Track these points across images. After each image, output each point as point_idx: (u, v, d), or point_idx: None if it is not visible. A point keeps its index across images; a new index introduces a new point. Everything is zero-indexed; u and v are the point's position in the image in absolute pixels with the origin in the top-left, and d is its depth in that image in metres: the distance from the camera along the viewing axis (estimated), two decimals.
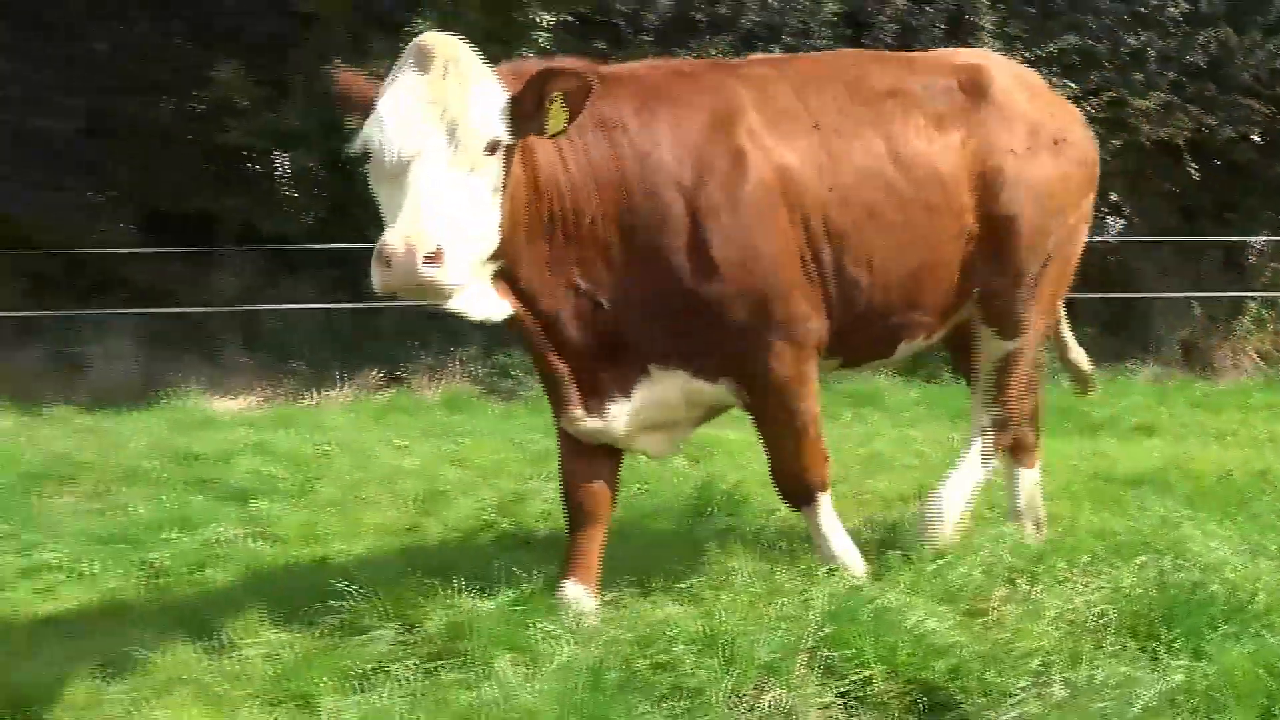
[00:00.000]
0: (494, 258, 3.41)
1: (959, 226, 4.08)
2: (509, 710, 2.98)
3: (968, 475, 4.36)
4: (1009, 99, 4.22)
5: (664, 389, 3.84)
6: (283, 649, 3.56)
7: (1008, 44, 9.68)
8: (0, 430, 8.55)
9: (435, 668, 3.35)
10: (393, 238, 2.98)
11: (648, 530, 5.03)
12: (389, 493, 6.10)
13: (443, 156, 3.16)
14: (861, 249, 3.90)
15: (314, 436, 7.74)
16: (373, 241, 3.03)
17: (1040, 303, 4.33)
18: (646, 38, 10.41)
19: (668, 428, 4.08)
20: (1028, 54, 9.49)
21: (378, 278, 3.02)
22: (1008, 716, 2.94)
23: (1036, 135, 4.20)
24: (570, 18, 10.00)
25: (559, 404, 3.86)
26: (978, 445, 4.39)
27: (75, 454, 7.04)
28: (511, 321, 3.62)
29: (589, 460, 4.01)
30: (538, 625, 3.52)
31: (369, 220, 4.71)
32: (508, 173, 3.32)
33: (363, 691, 3.29)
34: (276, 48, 10.86)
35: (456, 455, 6.96)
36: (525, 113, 3.31)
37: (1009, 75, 4.41)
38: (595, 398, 3.81)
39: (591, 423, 3.85)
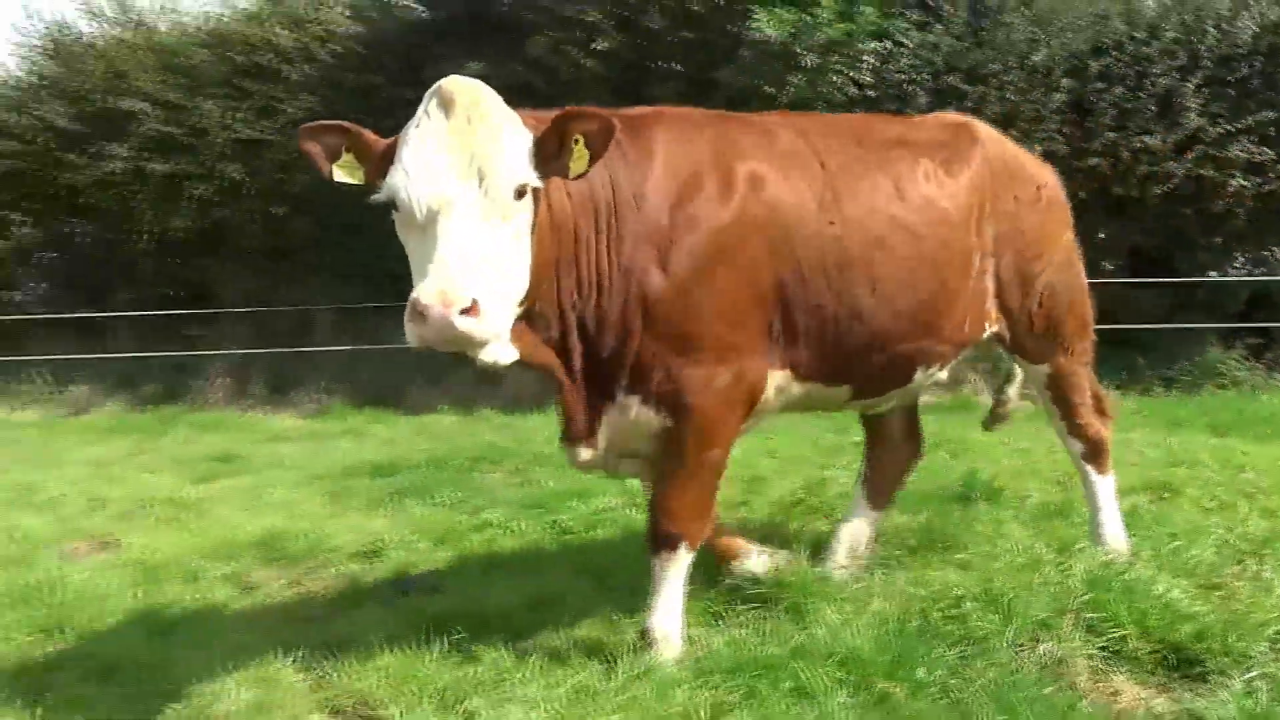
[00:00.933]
0: (524, 301, 3.29)
1: (966, 261, 4.15)
2: (835, 645, 3.50)
3: (1104, 503, 4.57)
4: (999, 149, 4.47)
5: (624, 415, 3.71)
6: None
7: (1211, 120, 10.28)
8: (448, 426, 10.48)
9: (769, 611, 3.95)
10: (427, 293, 2.85)
11: (921, 509, 5.41)
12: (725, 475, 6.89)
13: (474, 206, 3.01)
14: (868, 278, 3.86)
15: None
16: None
17: (1062, 331, 4.50)
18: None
19: (640, 454, 3.93)
20: (1229, 127, 10.22)
21: (413, 332, 2.91)
22: (1250, 675, 3.20)
23: (1025, 184, 4.44)
24: None
25: (567, 437, 3.79)
26: (1090, 475, 4.59)
27: (500, 443, 8.50)
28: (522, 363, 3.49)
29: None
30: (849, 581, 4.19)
31: None
32: (535, 216, 3.23)
33: (722, 624, 3.93)
34: None
35: (768, 448, 7.60)
36: (549, 154, 3.21)
37: (989, 131, 4.58)
38: (593, 424, 3.73)
39: (584, 454, 3.79)
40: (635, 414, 3.70)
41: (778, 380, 3.91)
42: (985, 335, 4.37)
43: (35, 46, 15.82)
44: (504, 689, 3.32)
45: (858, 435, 8.26)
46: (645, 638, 3.69)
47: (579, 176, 3.29)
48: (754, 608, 4.01)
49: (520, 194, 3.12)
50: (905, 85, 11.23)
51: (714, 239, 3.63)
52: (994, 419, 5.03)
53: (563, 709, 3.12)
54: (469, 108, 3.10)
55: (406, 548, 5.49)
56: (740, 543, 4.43)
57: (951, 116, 4.73)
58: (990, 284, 4.29)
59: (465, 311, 2.85)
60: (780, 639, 3.67)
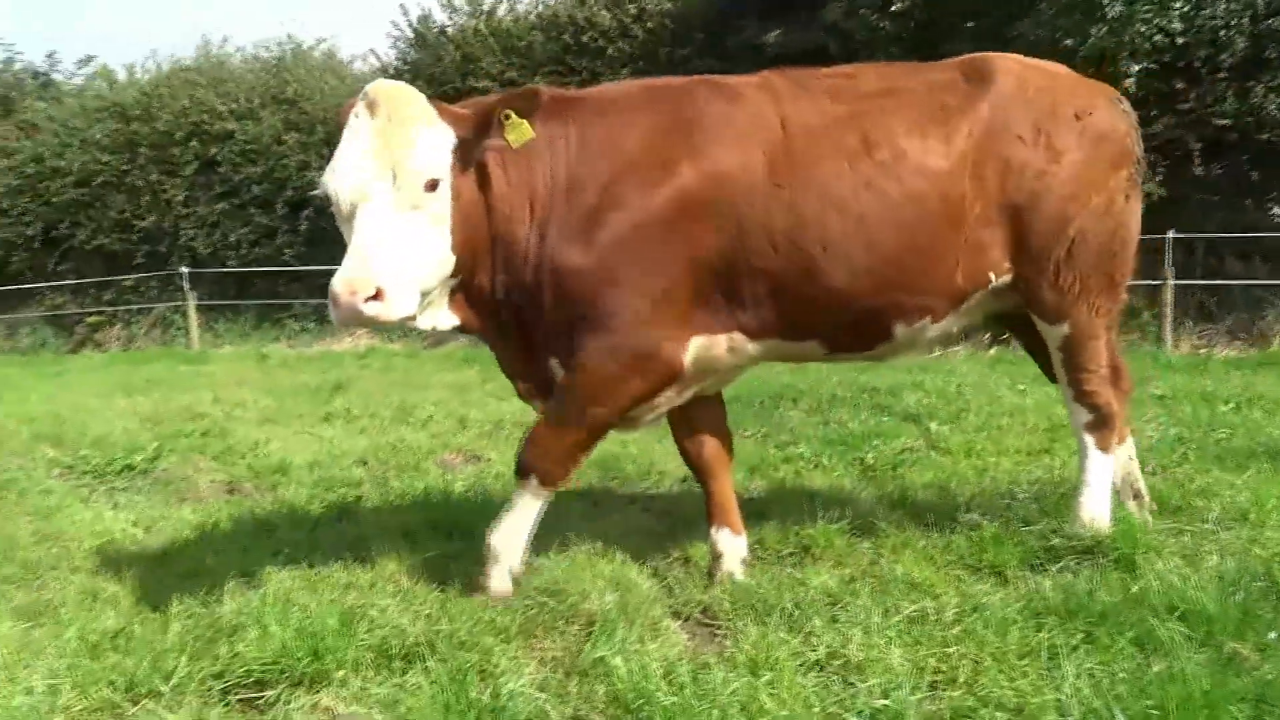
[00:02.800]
0: (454, 275, 3.40)
1: (956, 211, 3.65)
2: (1174, 599, 3.18)
3: (1093, 479, 3.95)
4: (1016, 84, 3.78)
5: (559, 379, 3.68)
6: (976, 530, 4.00)
7: None
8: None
9: (1094, 560, 3.63)
10: (336, 283, 2.96)
11: (1246, 466, 4.92)
12: (1019, 424, 6.41)
13: (387, 200, 3.07)
14: (820, 239, 3.55)
15: (949, 380, 8.40)
16: None
17: (1088, 285, 3.80)
18: None
19: None
20: None
21: (332, 315, 3.05)
22: None
23: (1053, 116, 3.74)
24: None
25: (519, 394, 3.88)
26: (1089, 447, 3.95)
27: (796, 383, 8.39)
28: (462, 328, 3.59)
29: (693, 420, 4.01)
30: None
31: None
32: (457, 202, 3.28)
33: (1043, 571, 3.61)
34: None
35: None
36: (473, 142, 3.30)
37: (1018, 63, 3.93)
38: (544, 383, 3.72)
39: (540, 406, 3.79)
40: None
41: (725, 342, 3.71)
42: (992, 286, 3.81)
43: (405, 38, 17.20)
44: (840, 613, 3.26)
45: (1159, 388, 7.80)
46: (483, 552, 3.67)
47: (522, 144, 3.34)
48: (1077, 558, 3.71)
49: (432, 186, 3.18)
50: (1220, 31, 9.92)
51: (640, 218, 3.49)
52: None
53: (901, 635, 3.03)
54: (390, 109, 3.14)
55: None
56: (737, 524, 4.00)
57: (975, 57, 4.05)
58: (997, 232, 3.74)
59: (372, 298, 2.95)
60: (1110, 588, 3.37)
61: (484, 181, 3.45)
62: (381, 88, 3.25)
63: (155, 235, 18.68)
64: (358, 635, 2.95)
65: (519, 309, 3.62)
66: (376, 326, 3.35)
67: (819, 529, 4.14)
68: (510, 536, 3.67)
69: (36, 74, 22.60)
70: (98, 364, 15.62)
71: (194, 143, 18.38)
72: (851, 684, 2.81)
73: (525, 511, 3.68)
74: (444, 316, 3.54)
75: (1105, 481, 3.98)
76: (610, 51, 14.81)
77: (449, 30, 16.84)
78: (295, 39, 20.51)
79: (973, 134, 3.68)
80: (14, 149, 19.63)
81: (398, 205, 3.13)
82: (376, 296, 2.99)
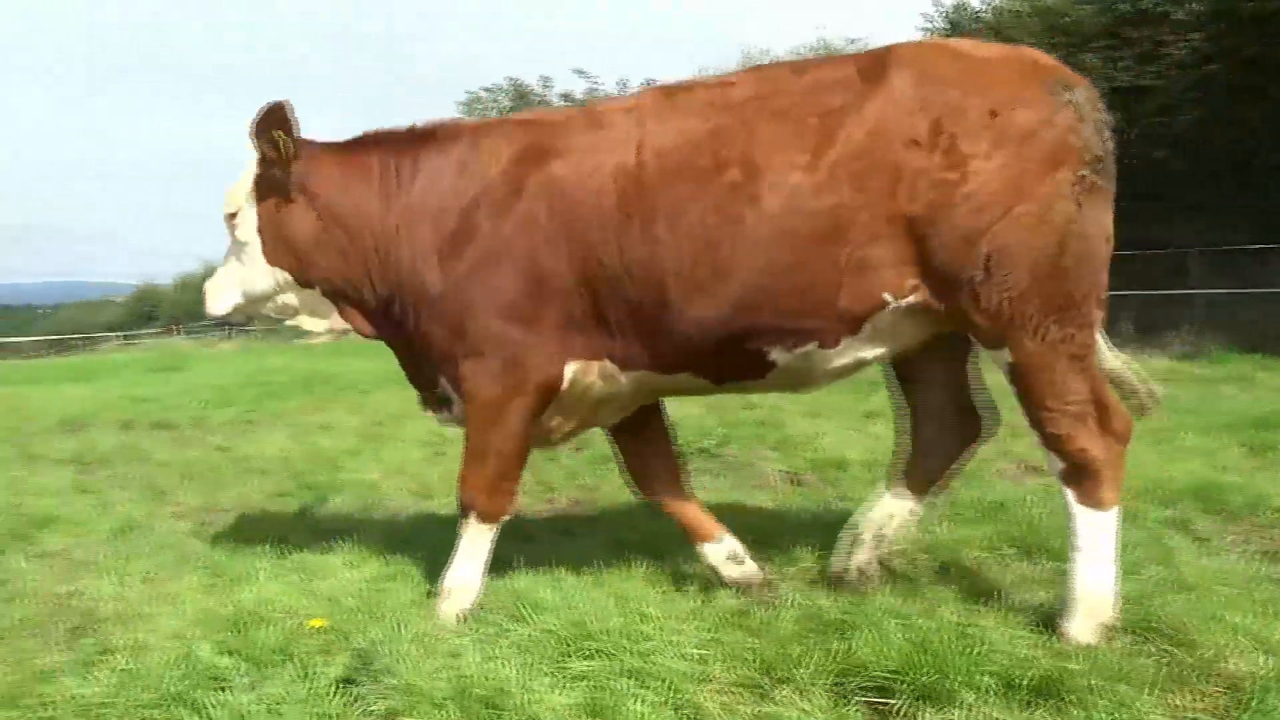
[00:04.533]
0: (307, 277, 3.89)
1: (828, 230, 3.19)
2: None
3: (1084, 544, 3.21)
4: (915, 78, 3.17)
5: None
6: None
7: None
8: None
9: None
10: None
11: None
12: None
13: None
14: (674, 268, 3.35)
15: None
16: None
17: (1027, 307, 3.08)
18: None
19: None
20: None
21: None
22: None
23: (958, 114, 3.10)
24: None
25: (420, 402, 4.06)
26: (1071, 504, 3.23)
27: None
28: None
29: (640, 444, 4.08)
30: None
31: None
32: (262, 224, 3.83)
33: None
34: None
35: None
36: (272, 169, 3.75)
37: (929, 51, 3.33)
38: (434, 398, 3.94)
39: (437, 417, 4.01)
40: (452, 393, 3.83)
41: (597, 369, 3.63)
42: (896, 307, 3.29)
43: (937, 28, 16.92)
44: None
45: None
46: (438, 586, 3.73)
47: (294, 156, 3.73)
48: None
49: (231, 218, 3.89)
50: None
51: (491, 244, 3.55)
52: (1140, 404, 3.61)
53: None
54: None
55: None
56: (715, 529, 3.98)
57: (882, 47, 3.42)
58: (891, 249, 3.22)
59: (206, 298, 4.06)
60: None
61: (321, 205, 3.82)
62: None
63: None
64: (979, 658, 2.88)
65: (403, 324, 3.83)
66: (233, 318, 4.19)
67: None
68: (462, 573, 3.71)
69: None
70: None
71: None
72: None
73: (474, 547, 3.72)
74: (311, 322, 4.05)
75: (1102, 547, 3.20)
76: (1177, 15, 13.08)
77: (984, 14, 16.21)
78: (827, 43, 21.21)
79: (853, 140, 3.22)
80: None
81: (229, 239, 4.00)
82: (204, 298, 4.09)
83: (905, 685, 2.82)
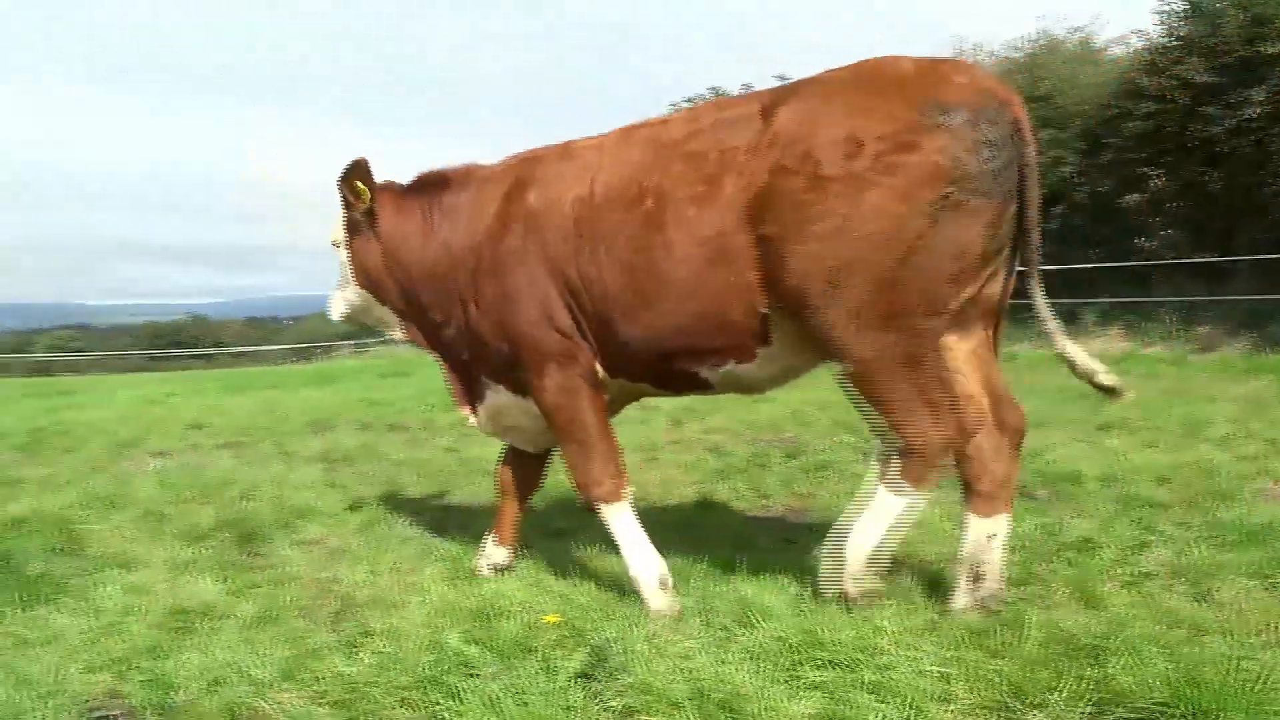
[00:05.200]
0: (382, 297, 4.56)
1: (722, 257, 3.51)
2: None
3: (877, 511, 3.50)
4: (797, 112, 3.45)
5: (497, 399, 4.36)
6: None
7: None
8: None
9: None
10: None
11: None
12: None
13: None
14: (609, 289, 3.75)
15: None
16: None
17: (866, 316, 3.30)
18: None
19: (523, 429, 4.42)
20: None
21: None
22: None
23: (825, 142, 3.33)
24: None
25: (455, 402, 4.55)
26: (879, 478, 3.51)
27: None
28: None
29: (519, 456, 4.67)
30: None
31: None
32: (350, 254, 4.52)
33: None
34: None
35: None
36: (353, 211, 4.43)
37: (822, 85, 3.52)
38: (469, 400, 4.50)
39: (473, 420, 4.54)
40: (511, 399, 4.29)
41: (601, 371, 4.01)
42: (776, 321, 3.54)
43: (1176, 11, 15.61)
44: None
45: None
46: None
47: (369, 204, 4.38)
48: None
49: (336, 244, 4.55)
50: None
51: (500, 272, 3.99)
52: (1110, 393, 3.59)
53: None
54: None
55: None
56: (511, 540, 4.61)
57: (789, 84, 3.66)
58: (764, 267, 3.46)
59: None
60: None
61: (385, 241, 4.44)
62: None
63: None
64: (1259, 695, 2.61)
65: (453, 340, 4.38)
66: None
67: None
68: (638, 562, 3.88)
69: None
70: None
71: None
72: None
73: (627, 534, 3.94)
74: (398, 333, 4.63)
75: (883, 522, 3.51)
76: None
77: None
78: (1048, 33, 20.02)
79: (743, 172, 3.50)
80: None
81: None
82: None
83: (1169, 716, 2.59)
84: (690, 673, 3.01)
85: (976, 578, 3.57)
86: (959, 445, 3.48)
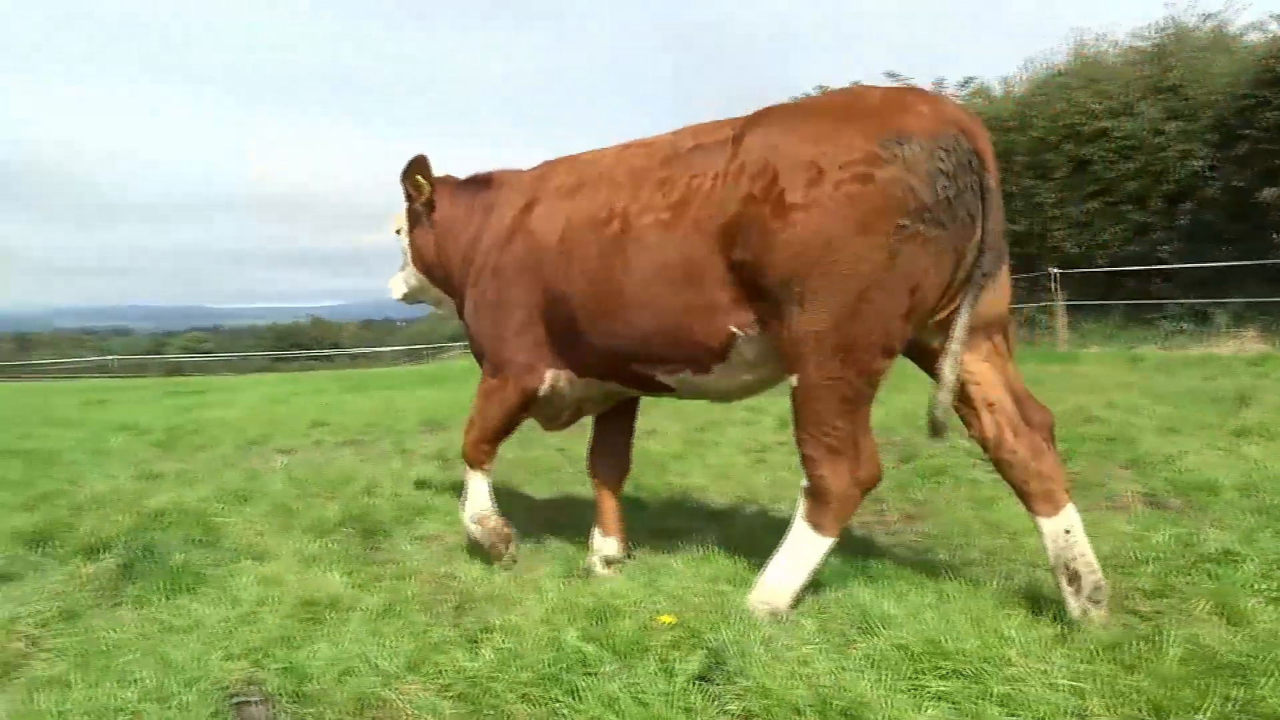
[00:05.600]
0: (434, 280, 5.34)
1: (682, 277, 3.73)
2: None
3: (790, 548, 3.69)
4: (764, 139, 3.57)
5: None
6: None
7: None
8: None
9: None
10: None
11: None
12: None
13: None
14: (581, 300, 4.09)
15: None
16: None
17: (823, 343, 3.41)
18: None
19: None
20: None
21: None
22: None
23: (789, 170, 3.44)
24: None
25: None
26: (797, 518, 3.67)
27: None
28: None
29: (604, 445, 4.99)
30: None
31: None
32: (410, 240, 5.31)
33: None
34: None
35: None
36: (413, 203, 5.21)
37: (787, 114, 3.64)
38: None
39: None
40: None
41: (565, 377, 4.51)
42: (744, 338, 3.72)
43: None
44: None
45: None
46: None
47: (429, 196, 5.14)
48: None
49: (398, 231, 5.38)
50: None
51: (500, 277, 4.51)
52: (936, 429, 3.49)
53: None
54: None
55: None
56: (615, 529, 4.85)
57: (756, 112, 3.77)
58: (734, 290, 3.65)
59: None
60: None
61: (438, 230, 5.15)
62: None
63: (1026, 238, 19.26)
64: None
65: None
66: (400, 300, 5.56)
67: None
68: (474, 506, 4.93)
69: None
70: None
71: (1067, 145, 18.42)
72: None
73: (475, 487, 4.98)
74: (446, 309, 5.39)
75: (799, 560, 3.66)
76: None
77: None
78: (1176, 21, 19.06)
79: (710, 199, 3.65)
80: None
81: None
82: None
83: None
84: (810, 678, 2.97)
85: (1072, 578, 3.48)
86: (854, 501, 3.60)
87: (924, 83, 25.55)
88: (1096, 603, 3.45)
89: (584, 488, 7.06)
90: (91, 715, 3.08)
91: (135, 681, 3.31)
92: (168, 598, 4.43)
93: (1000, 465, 3.62)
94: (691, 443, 8.88)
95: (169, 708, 3.11)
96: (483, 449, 4.84)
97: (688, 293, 3.74)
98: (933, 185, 3.28)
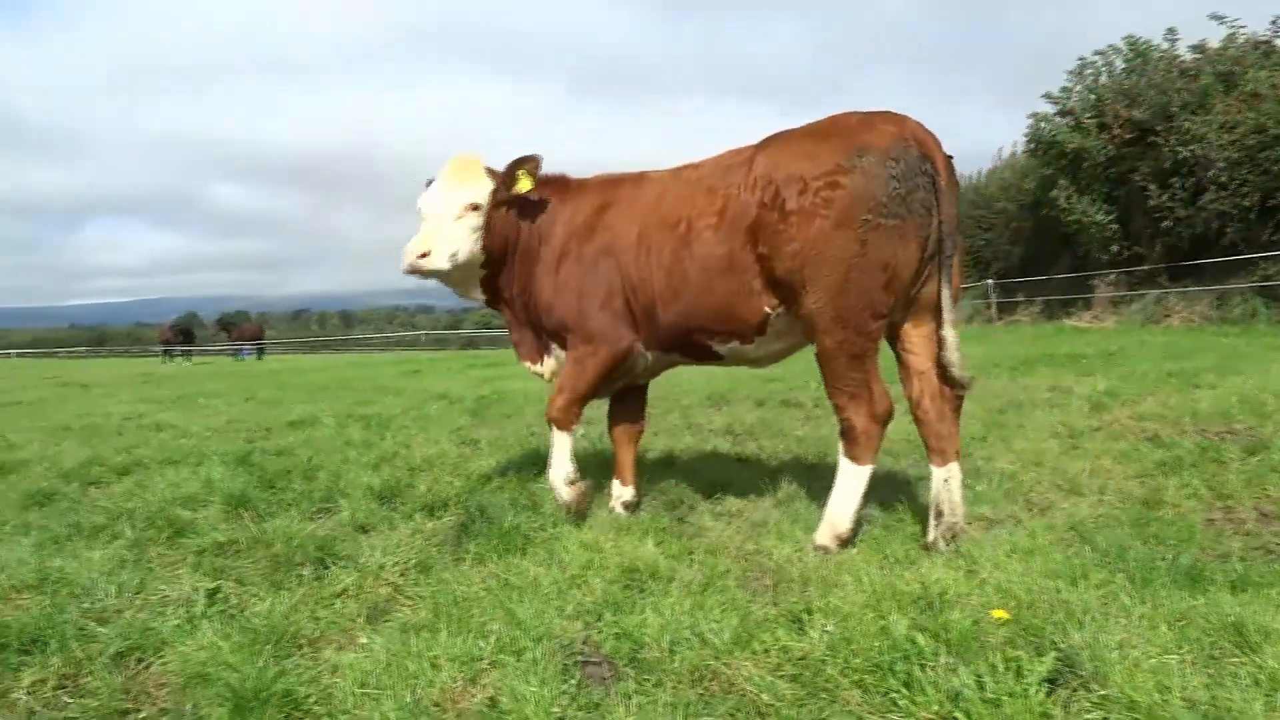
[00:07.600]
0: (483, 266, 5.53)
1: (728, 266, 4.76)
2: None
3: (839, 483, 4.72)
4: (769, 159, 4.65)
5: (558, 354, 5.57)
6: None
7: None
8: None
9: None
10: (406, 247, 5.20)
11: None
12: None
13: (436, 212, 5.30)
14: (657, 285, 5.04)
15: None
16: None
17: (826, 316, 4.45)
18: None
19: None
20: None
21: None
22: None
23: (785, 182, 4.50)
24: None
25: (520, 356, 5.76)
26: (840, 458, 4.70)
27: None
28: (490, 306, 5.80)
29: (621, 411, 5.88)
30: None
31: None
32: (486, 220, 5.38)
33: None
34: None
35: None
36: (501, 187, 5.39)
37: (784, 139, 4.73)
38: (539, 354, 5.69)
39: (535, 369, 5.70)
40: (560, 354, 5.54)
41: (641, 348, 5.30)
42: (775, 315, 4.76)
43: None
44: None
45: None
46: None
47: (527, 193, 5.42)
48: None
49: (474, 207, 5.33)
50: None
51: (584, 263, 5.30)
52: (955, 385, 4.67)
53: None
54: (449, 171, 5.39)
55: None
56: (630, 479, 5.90)
57: (766, 139, 4.92)
58: (762, 277, 4.69)
59: (423, 256, 5.20)
60: None
61: (501, 220, 5.46)
62: (453, 160, 5.41)
63: None
64: None
65: (526, 306, 5.63)
66: (421, 277, 5.28)
67: None
68: (557, 469, 5.58)
69: (1258, 44, 22.07)
70: None
71: None
72: None
73: (559, 445, 5.55)
74: (477, 294, 5.68)
75: (850, 489, 4.68)
76: None
77: None
78: None
79: (739, 206, 4.70)
80: (1236, 121, 19.62)
81: (443, 215, 5.31)
82: (424, 256, 5.19)
83: None
84: (1183, 693, 2.68)
85: (938, 515, 4.60)
86: (876, 432, 4.59)
87: (1260, 23, 22.39)
88: (947, 541, 4.53)
89: (880, 469, 6.86)
90: (457, 661, 3.36)
91: (490, 634, 3.58)
92: (500, 556, 4.77)
93: (916, 421, 4.74)
94: (992, 425, 8.38)
95: (523, 660, 3.34)
96: (573, 411, 5.38)
97: (733, 279, 4.75)
98: (886, 187, 4.26)
